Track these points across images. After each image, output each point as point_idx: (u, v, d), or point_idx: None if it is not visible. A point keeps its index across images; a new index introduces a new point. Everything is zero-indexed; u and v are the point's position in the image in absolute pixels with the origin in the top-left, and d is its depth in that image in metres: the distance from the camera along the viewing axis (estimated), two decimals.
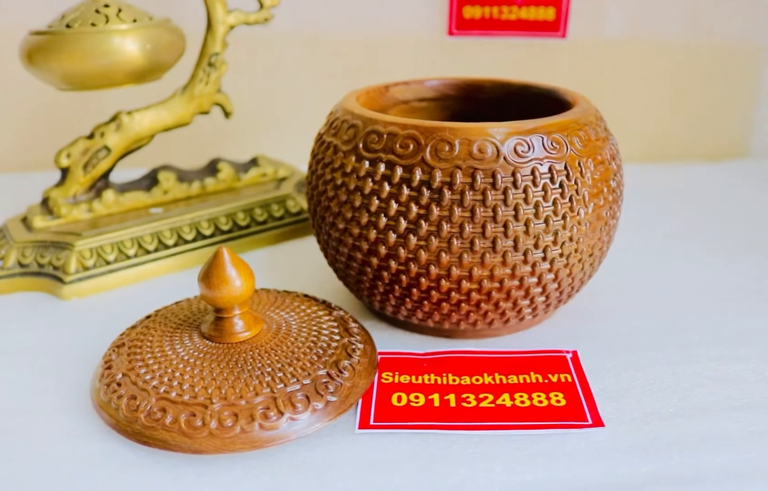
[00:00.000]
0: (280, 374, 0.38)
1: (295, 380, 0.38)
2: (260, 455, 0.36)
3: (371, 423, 0.38)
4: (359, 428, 0.38)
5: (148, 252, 0.58)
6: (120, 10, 0.56)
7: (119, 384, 0.38)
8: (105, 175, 0.61)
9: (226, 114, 0.66)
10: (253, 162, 0.70)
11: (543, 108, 0.50)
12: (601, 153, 0.43)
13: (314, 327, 0.43)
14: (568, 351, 0.44)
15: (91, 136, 0.59)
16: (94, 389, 0.40)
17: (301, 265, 0.60)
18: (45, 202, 0.60)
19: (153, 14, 0.59)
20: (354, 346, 0.41)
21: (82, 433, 0.38)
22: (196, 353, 0.40)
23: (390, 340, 0.47)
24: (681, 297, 0.53)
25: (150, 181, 0.64)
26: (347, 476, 0.35)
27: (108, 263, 0.56)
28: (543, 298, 0.43)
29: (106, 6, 0.55)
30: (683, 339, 0.47)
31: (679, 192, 0.78)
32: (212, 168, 0.67)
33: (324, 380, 0.38)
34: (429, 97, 0.56)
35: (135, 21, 0.56)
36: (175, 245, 0.59)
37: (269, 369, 0.38)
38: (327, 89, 0.76)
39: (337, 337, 0.42)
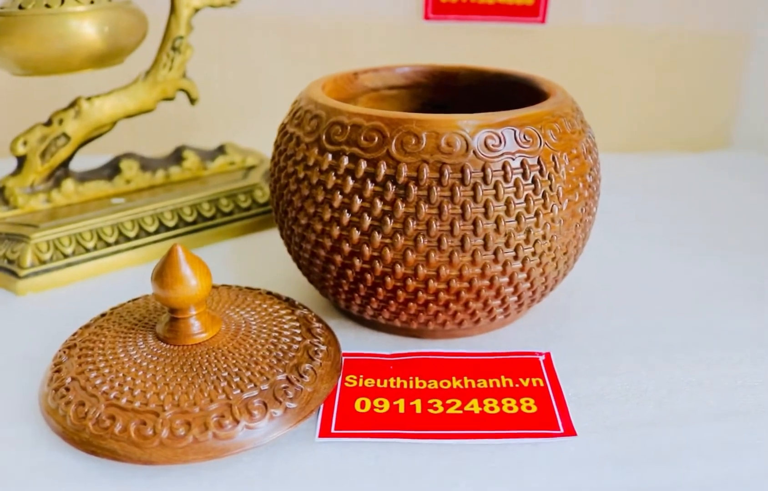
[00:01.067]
0: (237, 379, 0.36)
1: (252, 385, 0.36)
2: (214, 465, 0.34)
3: (332, 430, 0.36)
4: (319, 436, 0.36)
5: (108, 244, 0.55)
6: None
7: (68, 389, 0.36)
8: (65, 164, 0.59)
9: (192, 100, 0.64)
10: (221, 150, 0.68)
11: (519, 97, 0.48)
12: (576, 146, 0.41)
13: (275, 328, 0.41)
14: (540, 353, 0.42)
15: (48, 123, 0.57)
16: (42, 393, 0.38)
17: (268, 259, 0.57)
18: (1, 191, 0.57)
19: None
20: (316, 348, 0.40)
21: (27, 441, 0.36)
22: (150, 356, 0.38)
23: (356, 340, 0.45)
24: (661, 296, 0.51)
25: (112, 169, 0.62)
26: (305, 487, 0.33)
27: (66, 256, 0.54)
28: (515, 298, 0.41)
29: None
30: (662, 341, 0.45)
31: (661, 183, 0.77)
32: (177, 156, 0.65)
33: (283, 385, 0.36)
34: (400, 85, 0.54)
35: (92, 2, 0.53)
36: (137, 237, 0.57)
37: (225, 374, 0.36)
38: (298, 74, 0.73)
39: (299, 338, 0.40)
